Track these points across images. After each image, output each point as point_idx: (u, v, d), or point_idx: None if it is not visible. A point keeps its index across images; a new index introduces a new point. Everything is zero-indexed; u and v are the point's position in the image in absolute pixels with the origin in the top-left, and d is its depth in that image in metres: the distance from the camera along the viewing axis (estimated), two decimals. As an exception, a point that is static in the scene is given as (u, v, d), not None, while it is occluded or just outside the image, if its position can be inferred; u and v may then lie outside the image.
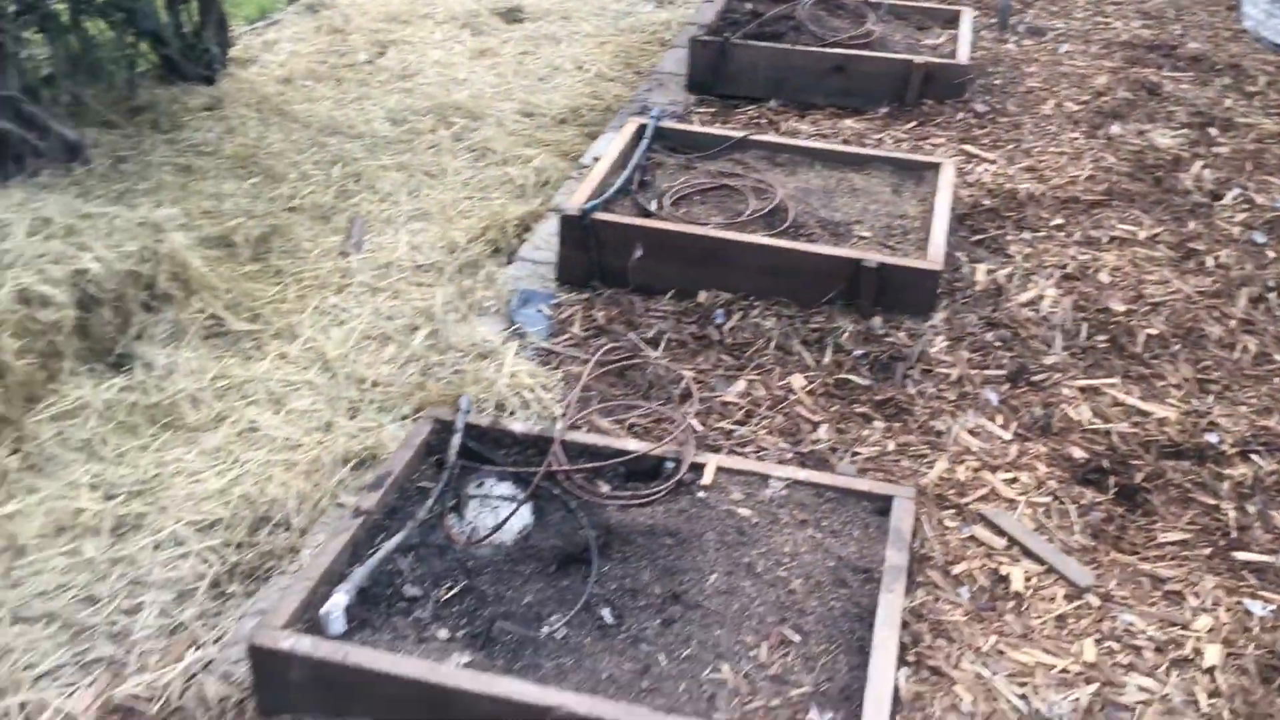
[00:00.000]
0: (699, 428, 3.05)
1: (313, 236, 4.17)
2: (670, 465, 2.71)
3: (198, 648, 2.43)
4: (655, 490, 2.63)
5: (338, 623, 2.24)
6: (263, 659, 2.17)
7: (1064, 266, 3.81)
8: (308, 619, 2.25)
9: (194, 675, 2.35)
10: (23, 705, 2.27)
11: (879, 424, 3.11)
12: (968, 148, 4.64)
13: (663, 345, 3.42)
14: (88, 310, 3.19)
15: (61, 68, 4.72)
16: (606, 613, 2.34)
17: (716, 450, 2.90)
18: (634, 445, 2.77)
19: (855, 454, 2.98)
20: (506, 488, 2.65)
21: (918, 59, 4.94)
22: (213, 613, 2.54)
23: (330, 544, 2.42)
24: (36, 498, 2.80)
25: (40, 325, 3.03)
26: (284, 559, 2.65)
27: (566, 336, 3.51)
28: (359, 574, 2.34)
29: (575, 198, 3.80)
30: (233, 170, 4.62)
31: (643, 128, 4.27)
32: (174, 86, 5.28)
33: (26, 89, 4.42)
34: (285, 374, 3.35)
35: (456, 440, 2.71)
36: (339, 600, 2.26)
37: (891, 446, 3.02)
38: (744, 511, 2.59)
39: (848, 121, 4.93)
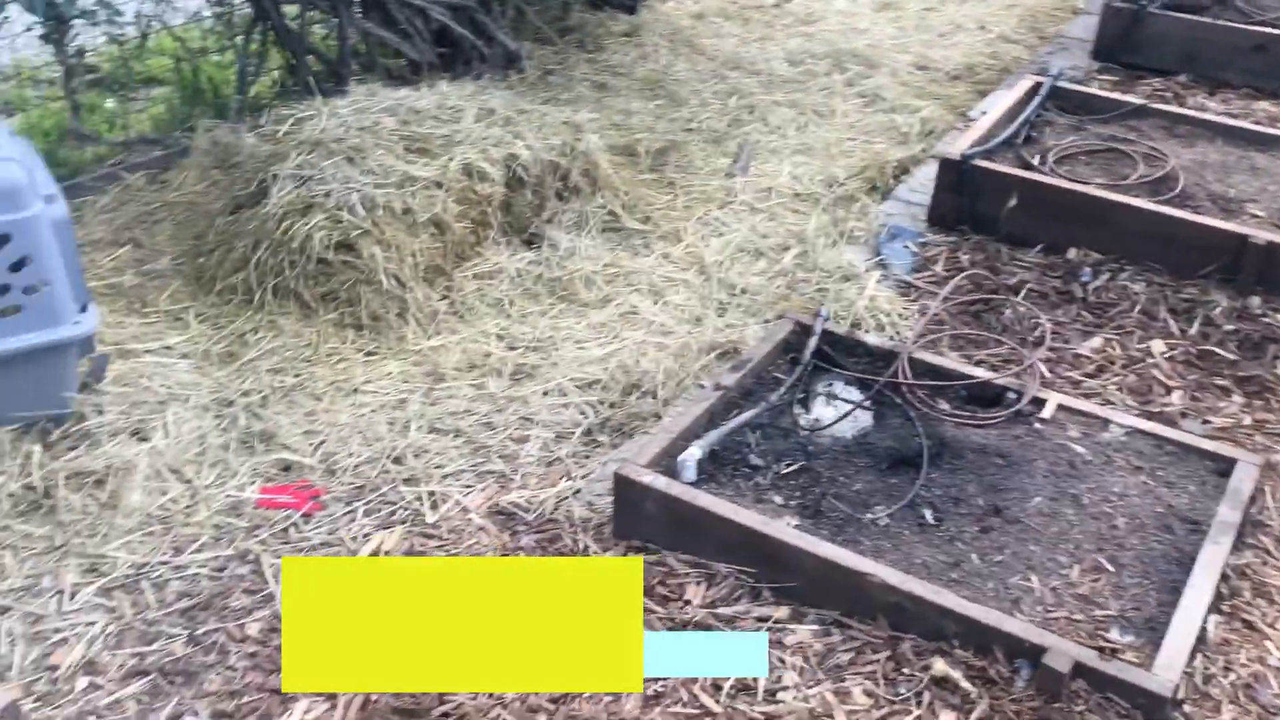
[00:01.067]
0: (1046, 374, 3.13)
1: (705, 157, 4.52)
2: (1012, 396, 2.83)
3: (569, 479, 2.83)
4: (994, 415, 2.77)
5: (690, 471, 2.57)
6: (624, 489, 2.52)
7: None
8: (665, 465, 2.59)
9: (564, 499, 2.75)
10: (430, 494, 2.76)
11: (1238, 399, 3.06)
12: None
13: (1022, 294, 3.50)
14: (514, 190, 3.68)
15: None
16: (928, 513, 2.52)
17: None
18: (978, 372, 2.91)
19: (1206, 421, 2.97)
20: (852, 392, 2.87)
21: (1356, 43, 4.62)
22: (583, 455, 2.94)
23: (691, 409, 2.75)
24: (456, 337, 3.32)
25: (477, 196, 3.54)
26: (647, 421, 3.01)
27: (928, 274, 3.66)
28: (713, 436, 2.65)
29: (957, 145, 3.91)
30: (641, 91, 5.06)
31: (1037, 85, 4.30)
32: (601, 12, 5.80)
33: (481, 1, 5.04)
34: (667, 271, 3.72)
35: (813, 342, 2.96)
36: (694, 452, 2.58)
37: (1247, 421, 2.98)
38: (1079, 449, 2.68)
39: (1263, 104, 4.70)
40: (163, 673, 2.25)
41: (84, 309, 2.78)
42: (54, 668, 2.24)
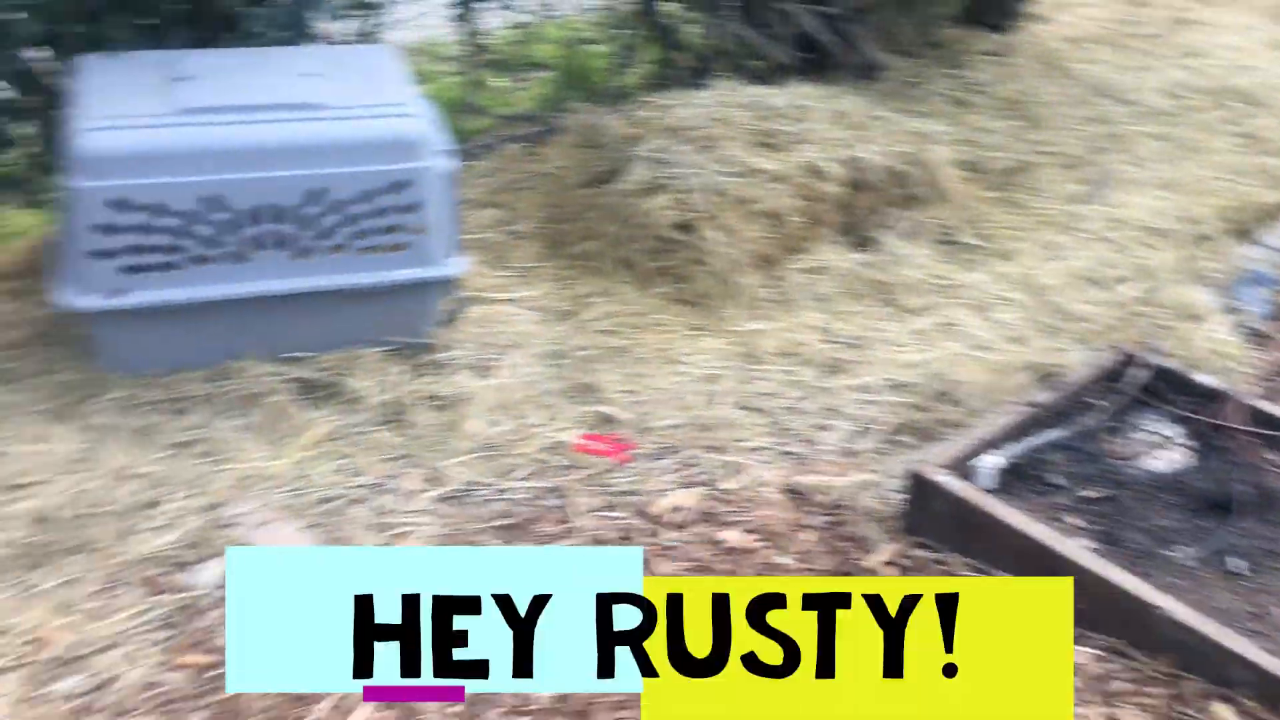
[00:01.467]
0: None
1: (1055, 181, 4.41)
2: (1356, 459, 2.63)
3: (865, 471, 2.90)
4: (1330, 475, 2.59)
5: (986, 478, 2.57)
6: (918, 485, 2.57)
7: None
8: (963, 469, 2.61)
9: (857, 489, 2.83)
10: (730, 463, 2.91)
11: None
12: None
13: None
14: (853, 191, 3.78)
15: (882, -1, 5.40)
16: (1238, 561, 2.41)
17: None
18: (1321, 430, 2.72)
19: None
20: (1173, 429, 2.77)
21: None
22: (883, 451, 2.99)
23: (998, 419, 2.75)
24: (776, 324, 3.46)
25: (816, 194, 3.67)
26: (953, 429, 3.02)
27: (1284, 324, 3.43)
28: (1016, 448, 2.65)
29: (1341, 192, 3.63)
30: (999, 110, 4.99)
31: None
32: (969, 30, 5.76)
33: (851, 10, 5.15)
34: (996, 288, 3.69)
35: (1140, 373, 2.87)
36: (993, 460, 2.59)
37: None
38: None
39: None
40: (475, 575, 2.52)
41: (456, 255, 3.13)
42: (389, 554, 2.57)
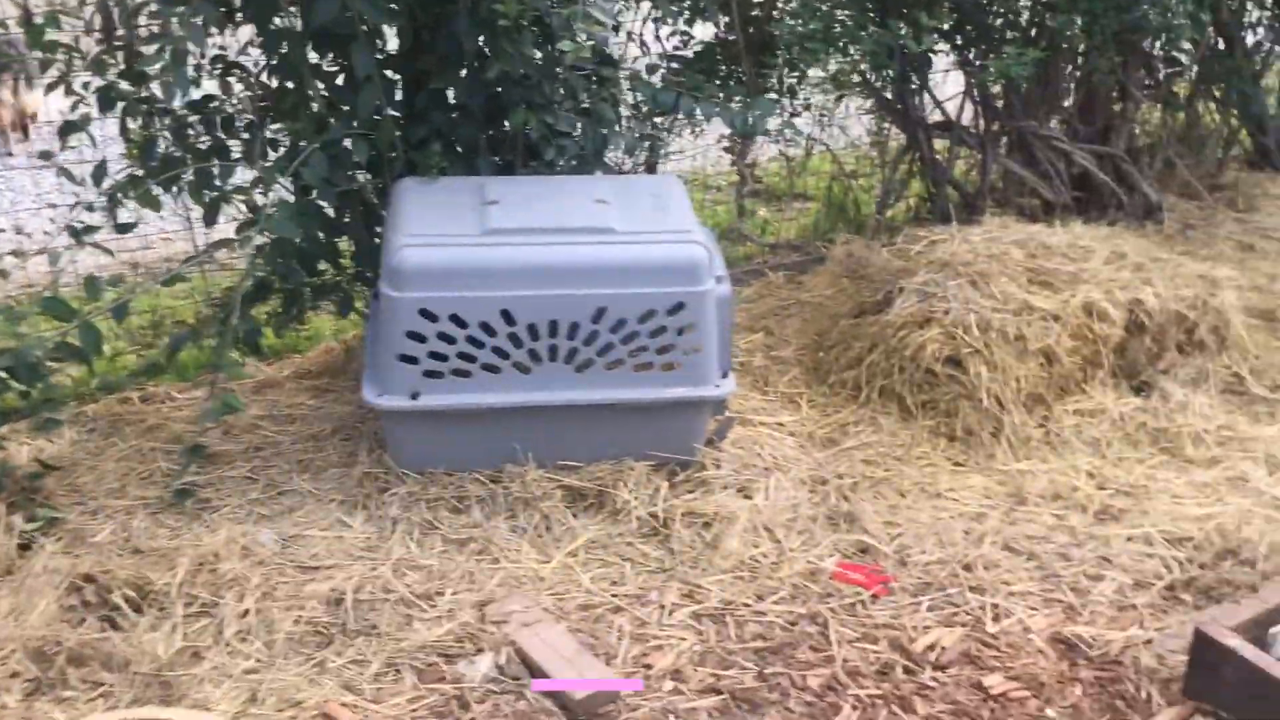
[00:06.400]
0: None
1: (1359, 334, 4.14)
2: None
3: (1141, 627, 2.75)
4: None
5: (1282, 647, 2.40)
6: (1205, 647, 2.42)
7: None
8: (1254, 634, 2.44)
9: (1133, 645, 2.68)
10: (994, 606, 2.82)
11: None
12: None
13: None
14: (1132, 334, 3.66)
15: (1165, 138, 5.26)
16: None
17: None
18: None
19: None
20: None
21: None
22: (1161, 607, 2.83)
23: (1295, 585, 2.56)
24: (1046, 466, 3.36)
25: (1092, 335, 3.57)
26: (1240, 590, 2.83)
27: None
28: (1317, 618, 2.45)
29: None
30: (1293, 256, 4.75)
31: None
32: (1261, 173, 5.53)
33: (1130, 150, 5.05)
34: (1292, 442, 3.47)
35: None
36: (1291, 629, 2.41)
37: None
38: None
39: None
40: (733, 696, 2.53)
41: (725, 376, 3.22)
42: (648, 666, 2.62)
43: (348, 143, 3.17)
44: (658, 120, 4.27)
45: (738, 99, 3.69)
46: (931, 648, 2.69)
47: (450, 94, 3.34)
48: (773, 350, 4.01)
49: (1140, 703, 2.50)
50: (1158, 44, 4.95)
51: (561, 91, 3.46)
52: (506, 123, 3.31)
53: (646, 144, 4.05)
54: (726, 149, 4.87)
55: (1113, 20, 4.25)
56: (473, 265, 2.95)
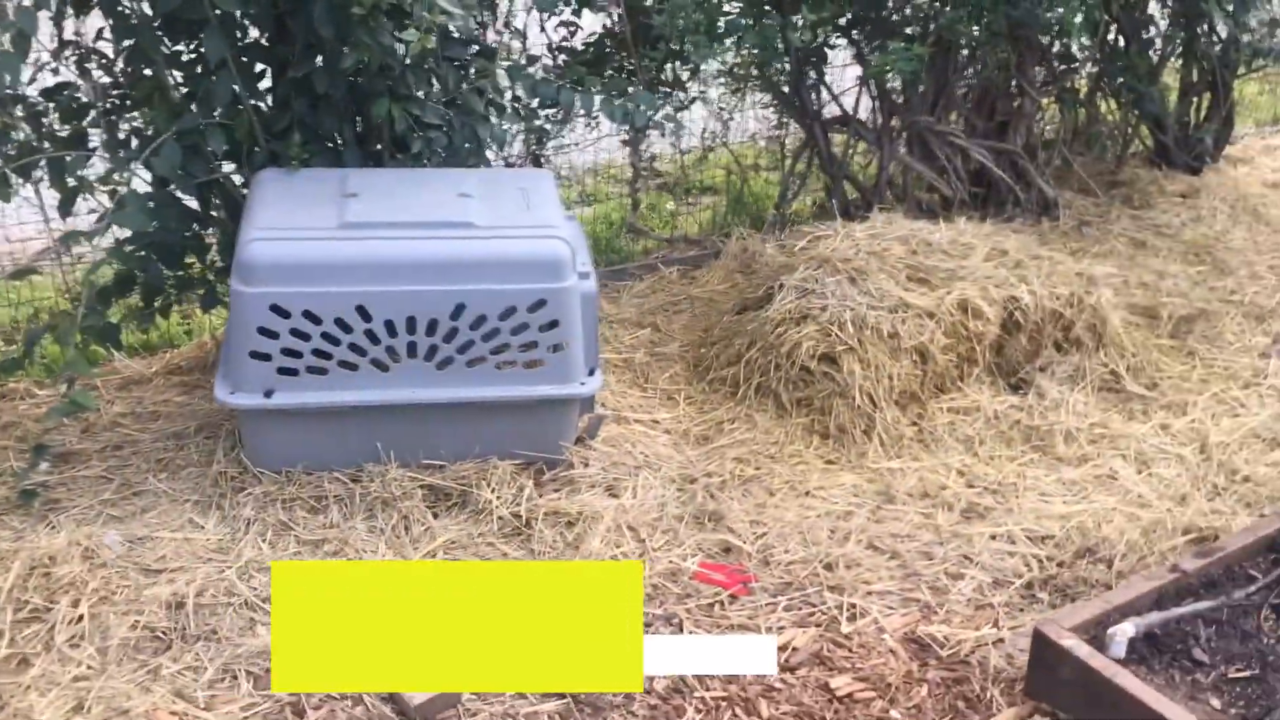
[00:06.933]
0: None
1: (1239, 331, 4.18)
2: None
3: (995, 626, 2.75)
4: None
5: (1119, 647, 2.40)
6: (1043, 648, 2.41)
7: None
8: (1094, 634, 2.44)
9: (984, 644, 2.68)
10: (852, 606, 2.80)
11: None
12: None
13: None
14: (1009, 333, 3.66)
15: (1063, 135, 5.29)
16: (1406, 769, 2.15)
17: None
18: None
19: None
20: (1343, 610, 2.52)
21: None
22: (1018, 606, 2.83)
23: (1139, 584, 2.57)
24: (916, 464, 3.35)
25: (968, 332, 3.57)
26: (1095, 589, 2.83)
27: None
28: (1155, 618, 2.46)
29: None
30: (1183, 255, 4.79)
31: None
32: (1157, 170, 5.57)
33: (1027, 147, 5.06)
34: (1160, 442, 3.49)
35: (1305, 545, 2.65)
36: (1126, 629, 2.41)
37: None
38: None
39: None
40: (576, 700, 2.47)
41: (591, 373, 3.18)
42: (492, 669, 2.57)
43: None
44: (547, 113, 4.22)
45: (615, 92, 3.64)
46: (784, 648, 2.67)
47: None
48: (657, 346, 3.97)
49: (983, 703, 2.50)
50: (1057, 41, 4.97)
51: (434, 82, 3.39)
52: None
53: (519, 136, 3.99)
54: (625, 142, 4.83)
55: (1000, 15, 4.25)
56: (326, 260, 2.88)
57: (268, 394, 2.94)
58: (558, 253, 3.00)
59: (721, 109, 4.92)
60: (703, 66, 4.50)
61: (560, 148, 4.86)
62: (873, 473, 3.32)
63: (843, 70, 5.08)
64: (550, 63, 4.02)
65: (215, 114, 3.11)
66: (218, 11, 2.92)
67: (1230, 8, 4.84)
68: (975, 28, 4.27)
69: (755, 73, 4.66)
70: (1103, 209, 5.18)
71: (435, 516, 3.02)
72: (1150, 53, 5.16)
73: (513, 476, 3.12)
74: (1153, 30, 5.20)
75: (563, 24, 4.06)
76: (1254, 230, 5.09)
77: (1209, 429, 3.54)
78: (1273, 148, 6.31)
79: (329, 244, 2.90)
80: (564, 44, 4.08)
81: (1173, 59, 5.50)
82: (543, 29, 4.18)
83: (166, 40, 3.08)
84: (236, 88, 3.08)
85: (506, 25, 3.78)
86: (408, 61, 2.97)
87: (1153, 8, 5.27)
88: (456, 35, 3.35)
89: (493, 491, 3.05)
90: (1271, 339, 4.12)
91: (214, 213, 3.40)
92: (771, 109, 5.05)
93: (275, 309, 2.86)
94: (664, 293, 4.41)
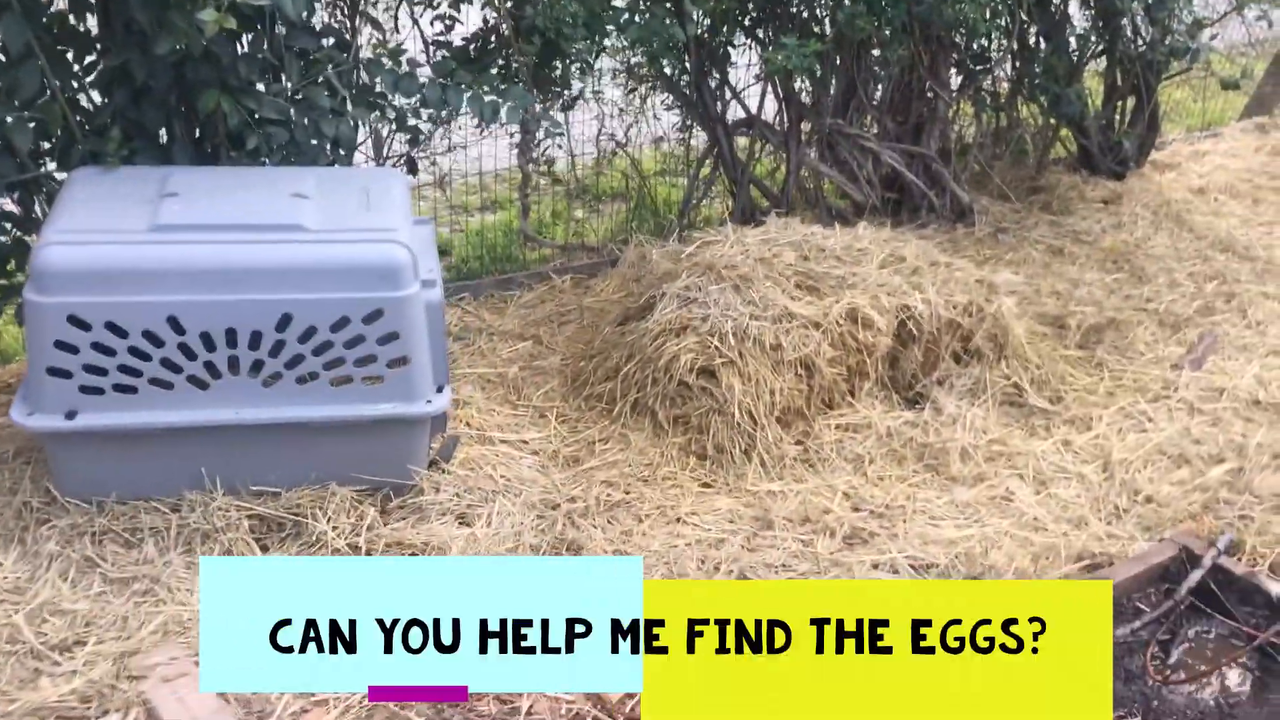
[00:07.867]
0: None
1: (1152, 341, 3.98)
2: None
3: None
4: None
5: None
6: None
7: None
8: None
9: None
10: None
11: None
12: None
13: None
14: (903, 344, 3.43)
15: (980, 139, 5.09)
16: (1295, 830, 1.93)
17: None
18: None
19: None
20: (1229, 644, 2.30)
21: None
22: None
23: (1014, 621, 2.33)
24: (799, 486, 3.11)
25: (857, 344, 3.34)
26: (977, 623, 2.60)
27: (1404, 524, 2.90)
28: (1027, 659, 2.22)
29: None
30: (1101, 262, 4.60)
31: None
32: (1078, 175, 5.38)
33: (942, 151, 4.86)
34: (1062, 460, 3.28)
35: (1196, 575, 2.42)
36: (994, 673, 2.17)
37: None
38: None
39: None
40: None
41: (440, 390, 2.91)
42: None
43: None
44: (428, 113, 3.95)
45: (486, 88, 3.39)
46: (632, 695, 2.41)
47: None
48: (536, 360, 3.71)
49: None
50: (971, 40, 4.77)
51: (283, 75, 3.12)
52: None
53: (393, 136, 3.73)
54: (517, 145, 4.57)
55: (901, 10, 4.04)
56: (131, 266, 2.59)
57: (70, 415, 2.65)
58: (395, 258, 2.73)
59: (621, 110, 4.67)
60: (595, 64, 4.26)
61: (452, 150, 4.60)
62: (751, 496, 3.08)
63: (750, 71, 4.85)
64: (424, 59, 3.75)
65: (18, 108, 2.82)
66: (17, -8, 2.65)
67: (1150, 2, 4.66)
68: (877, 23, 4.05)
69: (653, 71, 4.42)
70: (1020, 215, 4.98)
71: (264, 549, 2.75)
72: (1069, 53, 4.97)
73: (353, 504, 2.85)
74: (1071, 30, 5.01)
75: (438, 18, 3.80)
76: (1176, 237, 4.90)
77: (1113, 445, 3.33)
78: (1201, 153, 6.14)
79: (136, 248, 2.61)
80: (439, 38, 3.82)
81: (1096, 61, 5.31)
82: (414, 23, 3.91)
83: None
84: (46, 79, 2.80)
85: (362, 14, 3.50)
86: (205, 43, 2.69)
87: (1073, 8, 5.08)
88: (301, 23, 3.09)
89: (329, 521, 2.78)
90: (1185, 349, 3.92)
91: (36, 216, 3.12)
92: (675, 110, 4.80)
93: (74, 320, 2.58)
94: (553, 303, 4.15)
